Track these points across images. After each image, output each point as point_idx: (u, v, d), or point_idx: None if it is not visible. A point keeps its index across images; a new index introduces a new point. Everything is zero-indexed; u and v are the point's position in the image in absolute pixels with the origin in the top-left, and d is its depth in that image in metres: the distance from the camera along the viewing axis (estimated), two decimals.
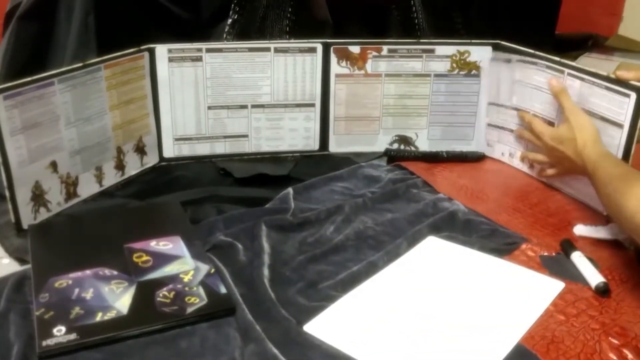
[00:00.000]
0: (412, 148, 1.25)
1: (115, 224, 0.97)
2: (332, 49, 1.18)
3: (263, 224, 0.97)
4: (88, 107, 1.02)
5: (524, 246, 0.93)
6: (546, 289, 0.83)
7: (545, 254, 0.92)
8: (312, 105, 1.22)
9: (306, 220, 0.99)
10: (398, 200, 1.08)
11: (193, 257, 0.88)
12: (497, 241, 0.95)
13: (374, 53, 1.18)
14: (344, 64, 1.19)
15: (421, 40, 1.19)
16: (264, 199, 1.07)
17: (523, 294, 0.82)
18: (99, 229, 0.96)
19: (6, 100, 0.89)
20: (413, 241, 0.94)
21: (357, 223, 1.00)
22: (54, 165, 0.99)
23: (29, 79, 0.92)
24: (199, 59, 1.14)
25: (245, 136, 1.22)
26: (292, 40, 1.19)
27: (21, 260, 0.89)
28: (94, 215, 1.01)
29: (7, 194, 0.93)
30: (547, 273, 0.87)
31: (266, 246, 0.92)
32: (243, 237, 0.95)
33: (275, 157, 1.23)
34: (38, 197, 0.97)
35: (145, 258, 0.88)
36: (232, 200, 1.07)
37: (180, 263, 0.87)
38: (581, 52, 1.80)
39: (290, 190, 1.09)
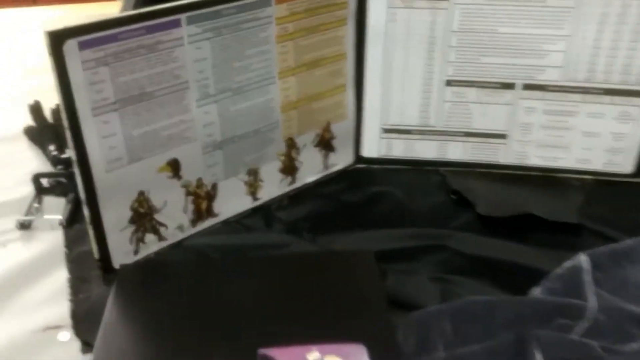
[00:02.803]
0: None
1: (261, 287, 0.54)
2: None
3: (535, 343, 0.47)
4: (241, 69, 0.59)
5: None
6: None
7: None
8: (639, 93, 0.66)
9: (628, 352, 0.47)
10: None
11: None
12: None
13: None
14: None
15: None
16: (528, 270, 0.57)
17: None
18: (229, 294, 0.54)
19: (85, 51, 0.49)
20: None
21: None
22: (174, 166, 0.58)
23: (128, 13, 0.50)
24: None
25: (503, 136, 0.71)
26: None
27: (87, 345, 0.50)
28: (231, 264, 0.59)
29: (85, 212, 0.54)
30: None
31: None
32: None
33: (547, 179, 0.71)
34: (143, 218, 0.57)
35: None
36: (470, 260, 0.59)
37: None
38: None
39: (582, 261, 0.56)
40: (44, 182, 0.68)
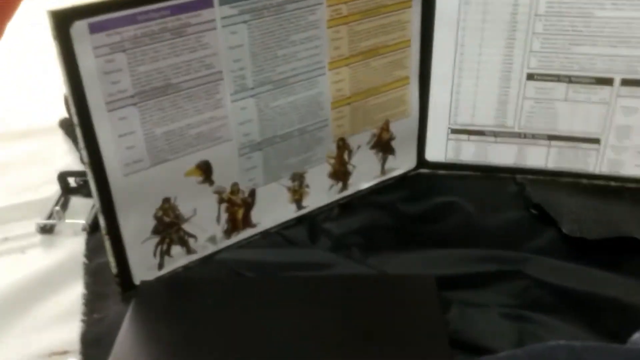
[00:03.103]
0: None
1: (300, 314, 0.46)
2: None
3: None
4: (285, 58, 0.50)
5: None
6: None
7: None
8: None
9: None
10: None
11: None
12: None
13: None
14: None
15: None
16: (626, 307, 0.47)
17: None
18: (264, 320, 0.46)
19: (97, 34, 0.41)
20: None
21: None
22: (204, 169, 0.50)
23: None
24: None
25: (595, 141, 0.60)
26: None
27: None
28: (267, 285, 0.51)
29: (101, 222, 0.47)
30: None
31: None
32: None
33: None
34: (169, 228, 0.50)
35: None
36: (552, 292, 0.49)
37: None
38: None
39: None
40: (71, 181, 0.62)
